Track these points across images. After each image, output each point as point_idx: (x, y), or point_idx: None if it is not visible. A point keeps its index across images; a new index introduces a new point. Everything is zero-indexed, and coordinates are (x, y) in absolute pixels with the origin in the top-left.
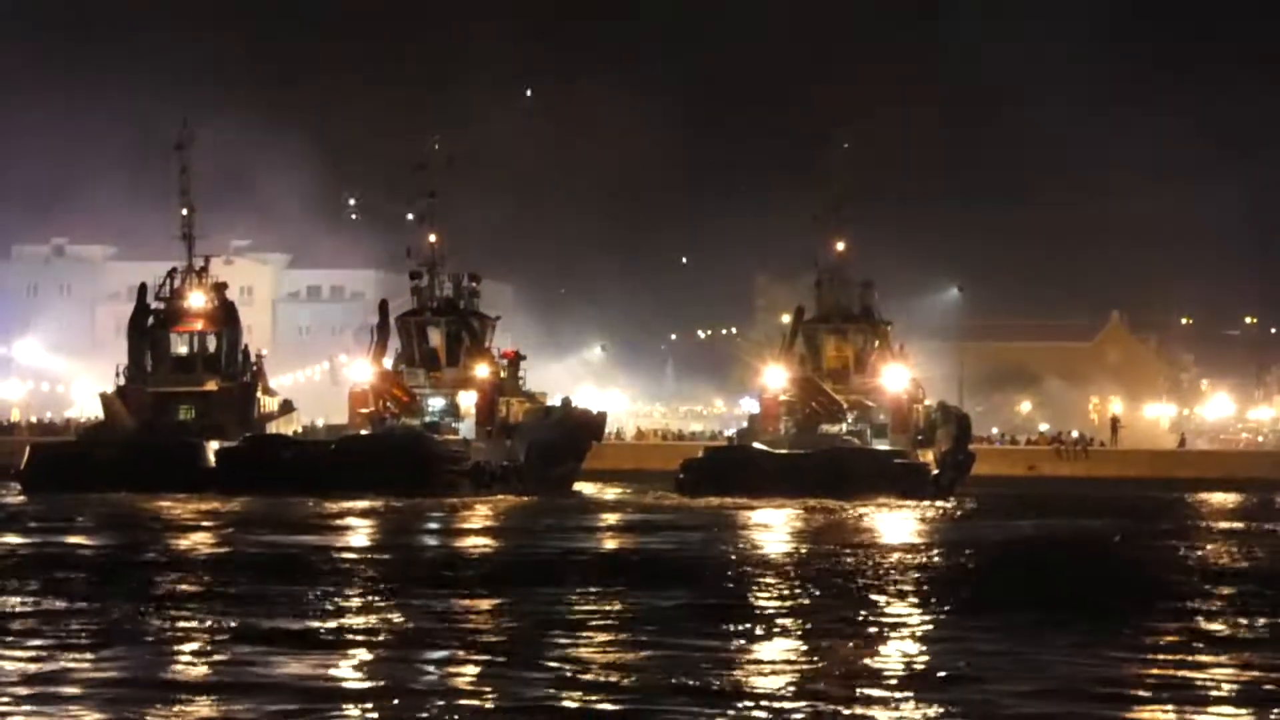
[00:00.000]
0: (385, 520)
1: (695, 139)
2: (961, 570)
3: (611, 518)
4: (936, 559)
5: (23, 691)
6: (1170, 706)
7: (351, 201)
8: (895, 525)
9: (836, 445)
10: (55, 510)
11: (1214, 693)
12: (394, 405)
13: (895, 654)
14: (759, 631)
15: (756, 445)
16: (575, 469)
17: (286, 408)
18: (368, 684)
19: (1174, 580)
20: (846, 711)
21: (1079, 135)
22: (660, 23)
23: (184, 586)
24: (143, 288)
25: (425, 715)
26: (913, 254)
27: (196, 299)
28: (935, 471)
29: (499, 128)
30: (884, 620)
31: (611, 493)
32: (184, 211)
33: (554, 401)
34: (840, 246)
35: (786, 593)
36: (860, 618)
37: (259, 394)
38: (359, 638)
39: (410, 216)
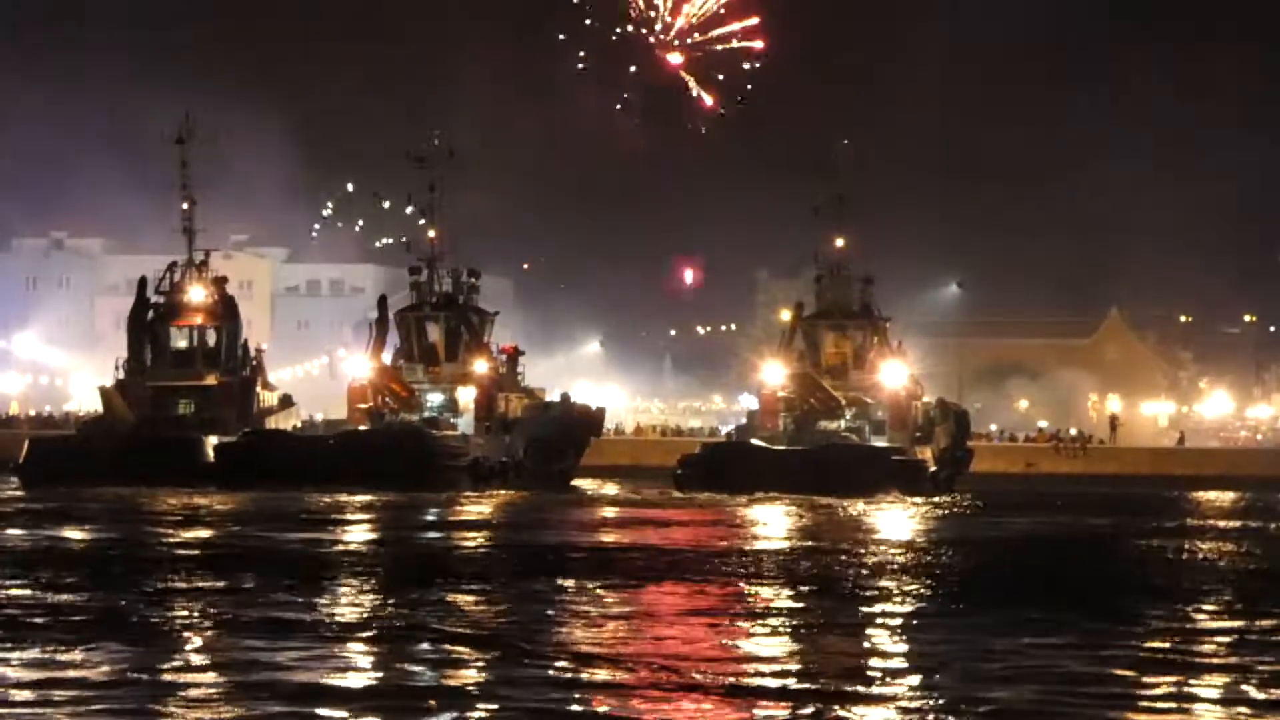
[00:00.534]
0: (383, 515)
1: (696, 133)
2: (956, 567)
3: (609, 512)
4: (932, 556)
5: (19, 687)
6: (1168, 705)
7: (350, 187)
8: (891, 522)
9: (834, 441)
10: (54, 504)
11: (1210, 692)
12: (393, 400)
13: (889, 650)
14: (754, 627)
15: (754, 441)
16: (574, 465)
17: (286, 402)
18: (366, 678)
19: (1171, 578)
20: (839, 707)
21: (1079, 132)
22: None
23: (182, 581)
24: (142, 281)
25: (423, 709)
26: (913, 251)
27: (196, 293)
28: (933, 468)
29: (498, 122)
30: (878, 616)
31: (610, 488)
32: (184, 205)
33: (553, 397)
34: (840, 243)
35: (781, 588)
36: (854, 613)
37: (258, 389)
38: (357, 631)
39: (410, 209)
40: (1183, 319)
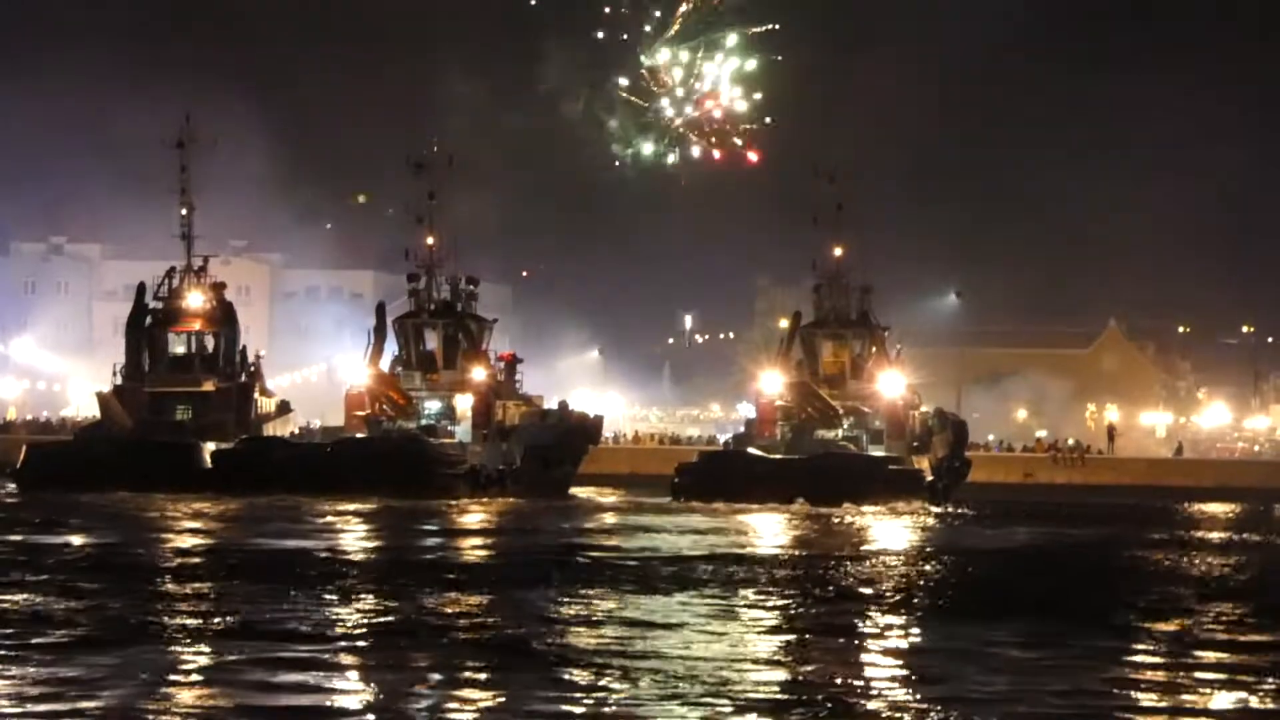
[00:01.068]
0: (380, 522)
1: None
2: (951, 577)
3: (606, 520)
4: (927, 565)
5: (13, 698)
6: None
7: (361, 198)
8: (887, 531)
9: (831, 451)
10: (51, 509)
11: (1208, 705)
12: (390, 408)
13: (884, 660)
14: (750, 634)
15: (751, 450)
16: (571, 473)
17: (284, 408)
18: (365, 684)
19: (1167, 590)
20: (834, 716)
21: (1078, 140)
22: None
23: (179, 586)
24: (141, 287)
25: (421, 714)
26: (911, 260)
27: (194, 299)
28: (930, 478)
29: (498, 129)
30: (874, 625)
31: (608, 496)
32: (183, 211)
33: (551, 405)
34: (838, 251)
35: (776, 596)
36: (850, 622)
37: (256, 394)
38: (354, 638)
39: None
40: (1181, 329)
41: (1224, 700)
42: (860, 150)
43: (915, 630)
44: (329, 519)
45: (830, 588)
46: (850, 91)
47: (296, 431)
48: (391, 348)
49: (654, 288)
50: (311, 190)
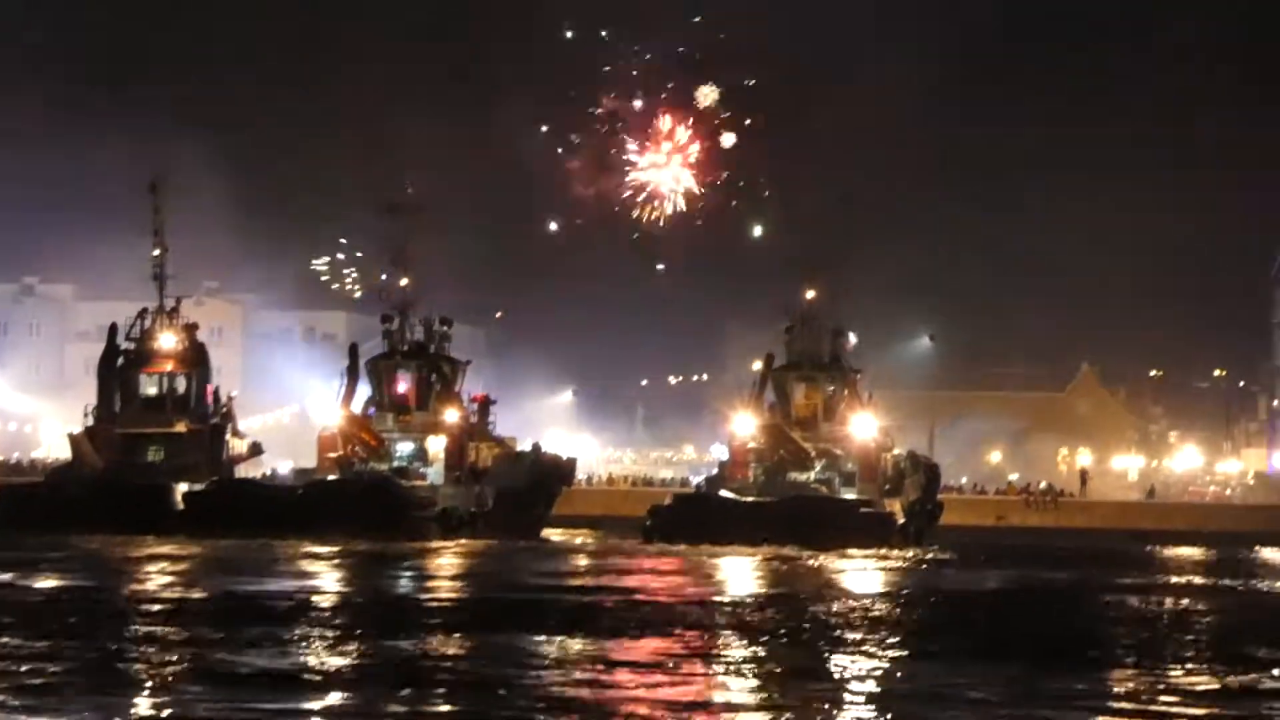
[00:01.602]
0: (350, 565)
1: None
2: (918, 620)
3: (579, 562)
4: (897, 608)
5: None
6: None
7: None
8: (856, 574)
9: (803, 493)
10: (21, 552)
11: None
12: (363, 449)
13: (853, 702)
14: (722, 677)
15: (723, 493)
16: (544, 515)
17: (255, 450)
18: None
19: (1138, 633)
20: None
21: (1050, 185)
22: None
23: (150, 629)
24: (113, 328)
25: None
26: (884, 303)
27: (167, 340)
28: (902, 520)
29: (470, 172)
30: (848, 668)
31: (580, 538)
32: (155, 251)
33: (524, 446)
34: (810, 294)
35: (746, 639)
36: (824, 665)
37: (228, 436)
38: (325, 680)
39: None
40: (1153, 374)
41: None
42: (832, 193)
43: (886, 672)
44: (299, 562)
45: (801, 630)
46: (822, 135)
47: (265, 475)
48: (365, 389)
49: (627, 329)
50: (286, 231)
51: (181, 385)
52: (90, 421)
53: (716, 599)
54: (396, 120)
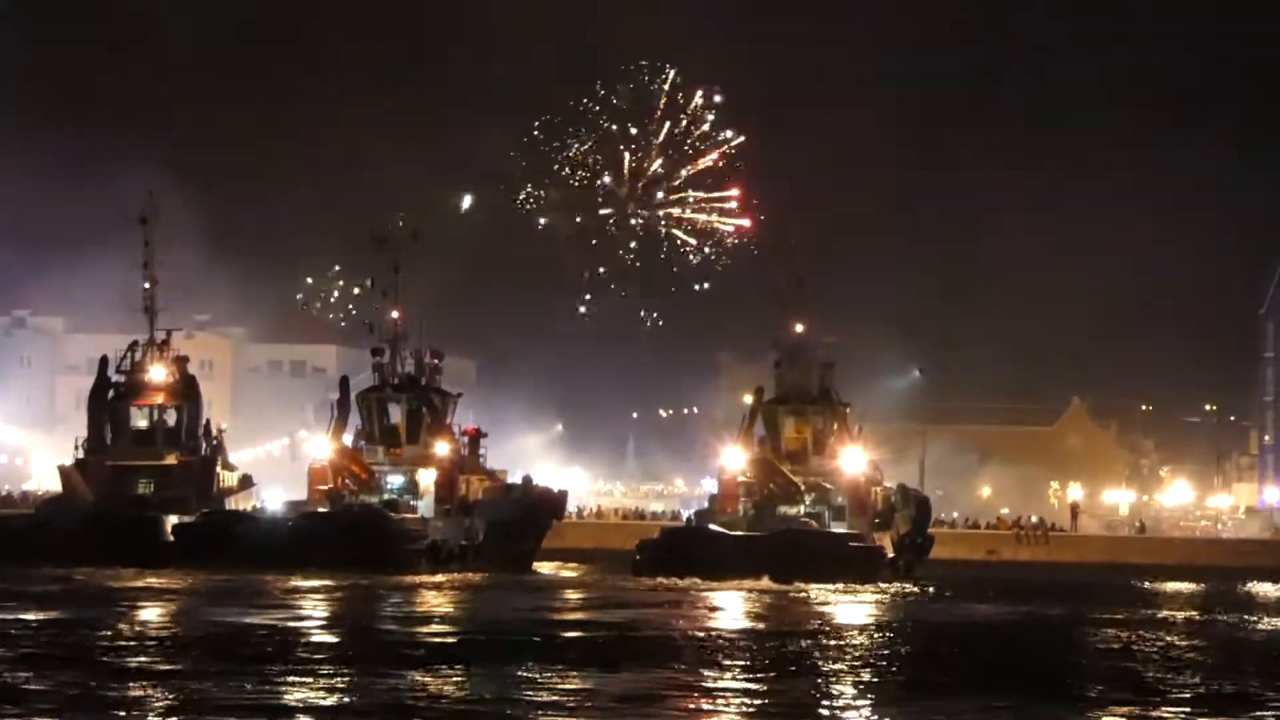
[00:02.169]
0: (340, 599)
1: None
2: (909, 654)
3: (568, 596)
4: (887, 642)
5: None
6: None
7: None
8: (845, 608)
9: (792, 527)
10: (10, 584)
11: None
12: (353, 482)
13: None
14: (710, 713)
15: (712, 527)
16: (534, 548)
17: (246, 483)
18: None
19: (1128, 668)
20: None
21: (1041, 220)
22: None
23: (139, 662)
24: (104, 360)
25: None
26: (874, 337)
27: (157, 372)
28: (891, 555)
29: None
30: (836, 703)
31: (570, 572)
32: (145, 285)
33: (514, 479)
34: (799, 327)
35: (734, 673)
36: (812, 700)
37: (219, 469)
38: (312, 715)
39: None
40: (1144, 408)
41: None
42: (822, 226)
43: (877, 706)
44: (288, 595)
45: (792, 665)
46: (812, 169)
47: (255, 507)
48: (355, 422)
49: (618, 362)
50: (277, 264)
51: (172, 418)
52: (81, 454)
53: (705, 633)
54: (381, 154)
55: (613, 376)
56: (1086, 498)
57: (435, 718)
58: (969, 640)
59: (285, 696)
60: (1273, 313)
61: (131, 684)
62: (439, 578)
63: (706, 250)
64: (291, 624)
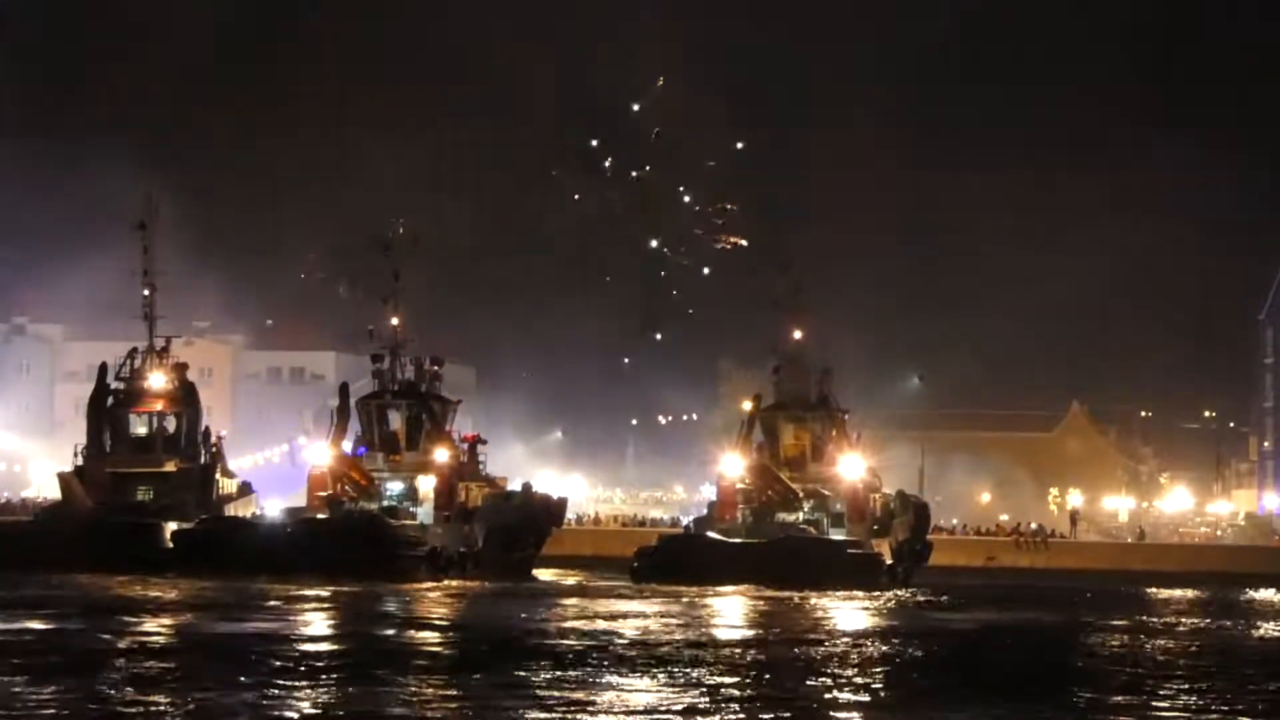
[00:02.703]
0: (340, 605)
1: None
2: (907, 660)
3: (569, 603)
4: (886, 649)
5: None
6: None
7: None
8: (841, 615)
9: (790, 534)
10: (10, 591)
11: None
12: (352, 489)
13: None
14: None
15: (710, 534)
16: (534, 555)
17: (245, 489)
18: None
19: (1128, 675)
20: None
21: (1039, 226)
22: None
23: (134, 669)
24: (103, 367)
25: None
26: (873, 343)
27: (156, 379)
28: (890, 561)
29: (460, 209)
30: (837, 710)
31: (570, 579)
32: (145, 291)
33: (514, 486)
34: (798, 334)
35: (733, 680)
36: (814, 707)
37: (218, 475)
38: None
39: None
40: (1143, 414)
41: None
42: (820, 233)
43: (878, 714)
44: (287, 603)
45: (792, 672)
46: (809, 176)
47: (255, 513)
48: (354, 429)
49: (618, 368)
50: (276, 270)
51: (171, 425)
52: (80, 461)
53: (703, 639)
54: (395, 159)
55: (612, 383)
56: (1086, 504)
57: None
58: (967, 646)
59: (284, 705)
60: (1272, 318)
61: (126, 692)
62: (439, 584)
63: (706, 271)
64: (290, 632)
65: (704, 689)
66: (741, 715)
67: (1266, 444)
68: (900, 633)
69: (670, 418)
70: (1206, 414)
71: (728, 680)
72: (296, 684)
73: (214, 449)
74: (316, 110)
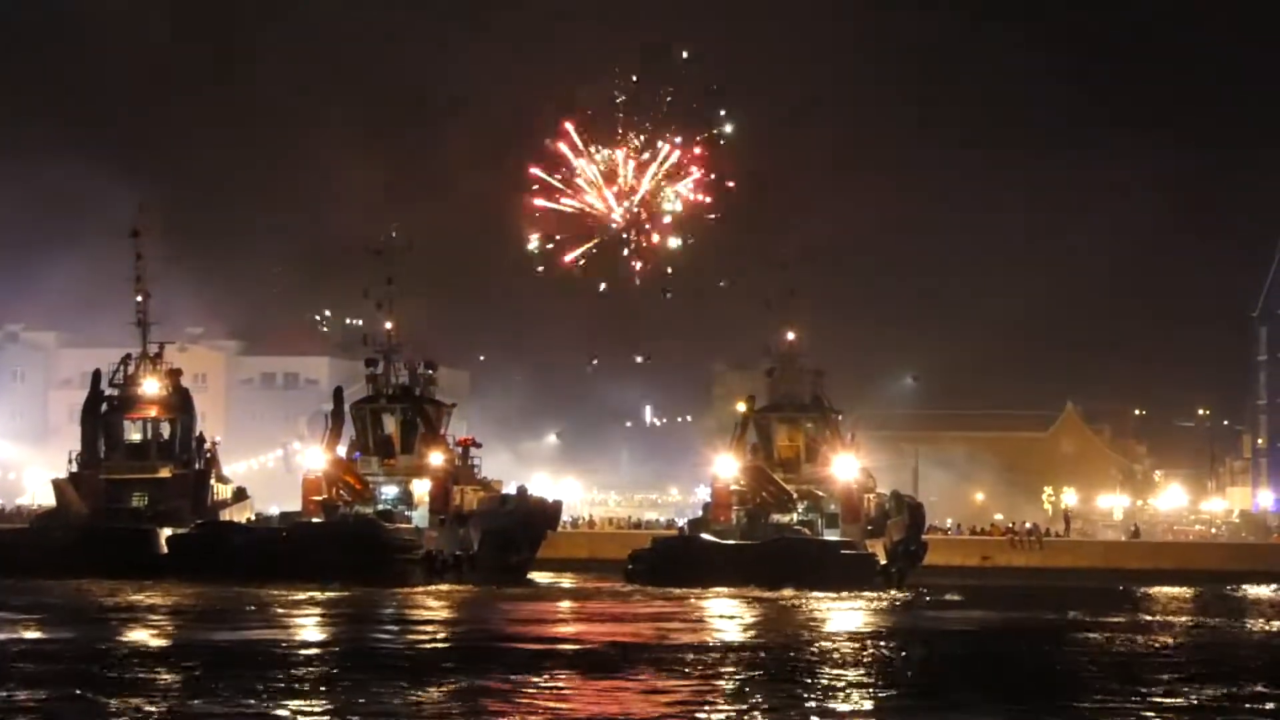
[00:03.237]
0: (335, 610)
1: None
2: (905, 661)
3: (562, 606)
4: (882, 650)
5: None
6: None
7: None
8: (833, 616)
9: (785, 535)
10: (6, 597)
11: None
12: (347, 493)
13: None
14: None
15: (704, 536)
16: (529, 558)
17: (240, 495)
18: None
19: (1125, 673)
20: None
21: (1032, 224)
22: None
23: (130, 676)
24: (97, 374)
25: None
26: (867, 345)
27: (150, 386)
28: (884, 562)
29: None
30: (835, 711)
31: (565, 581)
32: (138, 298)
33: (509, 490)
34: (791, 336)
35: (732, 682)
36: (812, 708)
37: (212, 481)
38: None
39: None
40: (1137, 413)
41: None
42: (814, 236)
43: (878, 714)
44: (282, 608)
45: (788, 672)
46: (804, 177)
47: (253, 518)
48: (349, 433)
49: (611, 372)
50: (268, 276)
51: (165, 431)
52: (75, 468)
53: (699, 641)
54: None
55: (607, 385)
56: (1080, 503)
57: None
58: (965, 646)
59: (280, 710)
60: (1265, 317)
61: (121, 699)
62: (433, 588)
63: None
64: (284, 637)
65: (701, 690)
66: (741, 715)
67: (1260, 441)
68: (896, 633)
69: (664, 420)
70: (1200, 412)
71: (725, 682)
72: (292, 688)
73: (208, 454)
74: (317, 105)
